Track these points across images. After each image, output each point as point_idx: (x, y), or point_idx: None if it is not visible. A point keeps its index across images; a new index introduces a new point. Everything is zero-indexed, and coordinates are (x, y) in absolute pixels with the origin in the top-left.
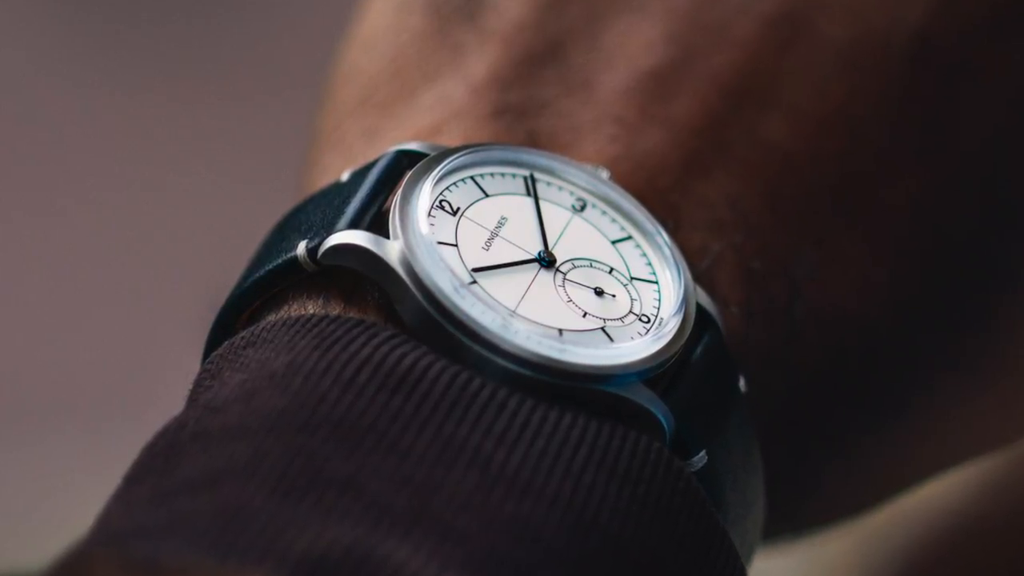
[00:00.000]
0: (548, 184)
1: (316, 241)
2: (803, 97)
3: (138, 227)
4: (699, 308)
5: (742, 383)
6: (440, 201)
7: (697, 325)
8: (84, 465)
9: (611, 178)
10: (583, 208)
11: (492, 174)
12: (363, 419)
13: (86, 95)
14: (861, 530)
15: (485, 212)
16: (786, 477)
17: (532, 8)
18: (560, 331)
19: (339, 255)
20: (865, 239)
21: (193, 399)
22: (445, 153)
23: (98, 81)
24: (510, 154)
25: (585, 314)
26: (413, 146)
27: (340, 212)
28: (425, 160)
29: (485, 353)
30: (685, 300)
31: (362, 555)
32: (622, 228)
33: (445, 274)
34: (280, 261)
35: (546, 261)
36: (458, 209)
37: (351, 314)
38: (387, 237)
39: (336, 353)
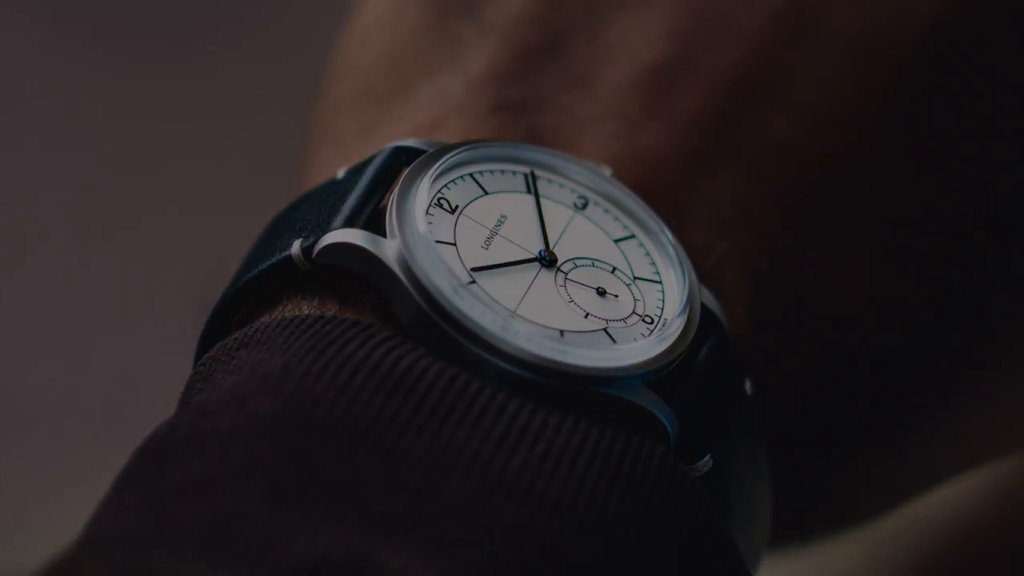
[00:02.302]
0: (549, 181)
1: (311, 240)
2: (810, 93)
3: (131, 226)
4: (704, 308)
5: (748, 385)
6: (438, 199)
7: (702, 326)
8: (74, 468)
9: (613, 175)
10: (585, 206)
11: (492, 171)
12: (359, 423)
13: (77, 91)
14: (871, 536)
15: (484, 210)
16: (794, 481)
17: (532, 1)
18: (561, 332)
19: (335, 254)
20: (875, 239)
21: (185, 402)
22: (443, 150)
23: (89, 77)
24: (510, 151)
25: (587, 315)
26: (410, 142)
27: (336, 210)
28: (423, 157)
29: (484, 355)
30: (690, 300)
31: (357, 563)
32: (625, 227)
33: (443, 274)
34: (274, 260)
35: (547, 260)
36: (457, 207)
37: (347, 315)
38: (384, 236)
39: (331, 355)
